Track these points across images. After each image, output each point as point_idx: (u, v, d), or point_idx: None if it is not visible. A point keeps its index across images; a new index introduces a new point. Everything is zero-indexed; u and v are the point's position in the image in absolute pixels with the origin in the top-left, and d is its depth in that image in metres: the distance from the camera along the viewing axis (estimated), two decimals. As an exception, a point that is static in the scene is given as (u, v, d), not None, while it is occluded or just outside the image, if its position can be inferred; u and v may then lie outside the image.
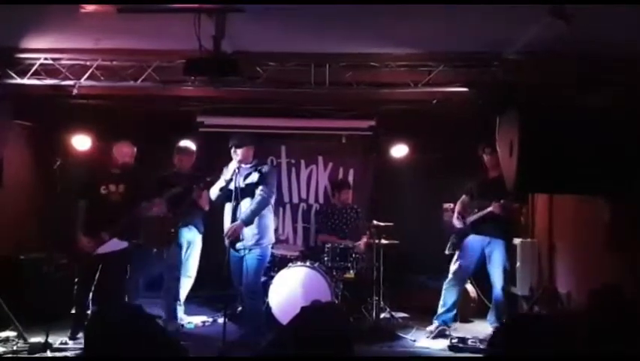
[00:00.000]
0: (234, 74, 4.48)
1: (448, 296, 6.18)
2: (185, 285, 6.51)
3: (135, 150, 5.84)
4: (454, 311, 6.20)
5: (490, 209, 5.93)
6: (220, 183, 5.58)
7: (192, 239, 6.45)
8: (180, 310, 6.45)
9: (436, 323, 6.15)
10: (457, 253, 6.22)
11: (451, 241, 6.28)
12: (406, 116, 7.17)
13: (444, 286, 6.21)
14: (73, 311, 5.60)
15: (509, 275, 6.30)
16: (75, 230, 5.53)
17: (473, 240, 6.13)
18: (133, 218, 5.62)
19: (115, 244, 5.54)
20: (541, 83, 5.29)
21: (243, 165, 5.52)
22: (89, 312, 5.57)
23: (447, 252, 6.30)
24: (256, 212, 5.42)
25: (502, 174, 5.92)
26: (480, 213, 6.04)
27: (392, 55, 5.41)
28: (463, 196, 6.37)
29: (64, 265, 6.37)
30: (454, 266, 6.21)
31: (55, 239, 6.24)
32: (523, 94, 5.17)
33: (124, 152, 5.76)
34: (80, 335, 5.48)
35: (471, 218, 6.14)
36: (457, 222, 6.26)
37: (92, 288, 5.61)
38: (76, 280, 5.62)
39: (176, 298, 6.20)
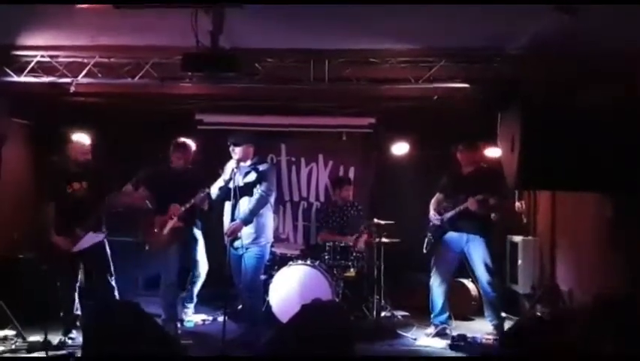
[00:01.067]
0: (232, 70, 4.44)
1: (435, 298, 6.11)
2: (198, 284, 6.47)
3: (90, 145, 5.72)
4: (447, 313, 6.13)
5: (466, 205, 5.84)
6: (219, 182, 5.55)
7: (193, 235, 6.37)
8: (190, 307, 6.48)
9: (433, 326, 6.09)
10: (434, 251, 6.16)
11: (427, 240, 6.23)
12: (406, 113, 7.13)
13: (430, 289, 6.15)
14: (61, 314, 5.57)
15: (502, 270, 6.27)
16: (48, 232, 5.47)
17: (451, 237, 6.06)
18: (107, 210, 5.66)
19: (91, 238, 5.49)
20: (544, 79, 5.25)
21: (242, 164, 5.49)
22: (78, 312, 5.56)
23: (425, 250, 6.24)
24: (255, 211, 5.40)
25: (476, 170, 5.93)
26: (456, 210, 5.96)
27: (392, 50, 5.37)
28: (437, 194, 6.30)
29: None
30: (434, 266, 6.15)
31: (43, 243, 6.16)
32: (526, 90, 5.14)
33: (80, 149, 5.67)
34: (74, 333, 5.50)
35: (448, 215, 6.07)
36: (433, 219, 6.19)
37: (77, 288, 5.60)
38: (58, 283, 5.55)
39: (175, 300, 6.05)
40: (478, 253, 5.93)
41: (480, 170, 5.97)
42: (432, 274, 6.15)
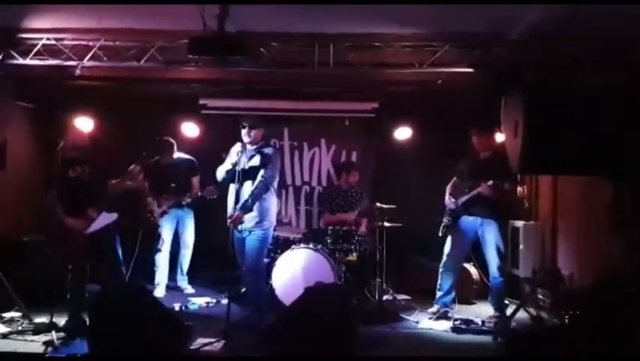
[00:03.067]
0: (239, 54, 4.45)
1: (444, 280, 6.18)
2: (185, 255, 7.03)
3: (88, 131, 5.87)
4: (453, 294, 6.20)
5: (478, 190, 5.87)
6: (226, 165, 5.55)
7: (180, 215, 6.87)
8: (184, 281, 7.04)
9: (436, 306, 6.17)
10: (450, 235, 6.21)
11: (443, 223, 6.27)
12: (409, 97, 7.14)
13: (440, 270, 6.21)
14: (68, 296, 5.52)
15: (507, 255, 6.33)
16: (57, 215, 5.51)
17: (466, 221, 6.11)
18: (114, 192, 5.87)
19: (105, 218, 5.56)
20: (546, 63, 5.26)
21: (247, 147, 5.48)
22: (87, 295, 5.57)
23: (440, 234, 6.29)
24: (257, 197, 5.38)
25: (492, 155, 5.94)
26: (470, 194, 5.99)
27: (396, 35, 5.38)
28: (455, 178, 6.35)
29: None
30: (447, 248, 6.20)
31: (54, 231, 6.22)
32: (528, 74, 5.16)
33: (79, 135, 5.81)
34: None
35: (462, 199, 6.10)
36: (448, 203, 6.24)
37: (89, 271, 5.61)
38: (70, 266, 5.47)
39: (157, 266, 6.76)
40: (491, 237, 5.97)
41: (496, 155, 5.92)
42: (444, 256, 6.20)
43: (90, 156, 5.77)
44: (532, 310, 5.82)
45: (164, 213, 6.71)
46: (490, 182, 5.74)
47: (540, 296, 5.67)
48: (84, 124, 5.82)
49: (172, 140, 7.01)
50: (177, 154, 6.96)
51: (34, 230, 6.57)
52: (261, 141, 5.56)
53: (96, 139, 5.97)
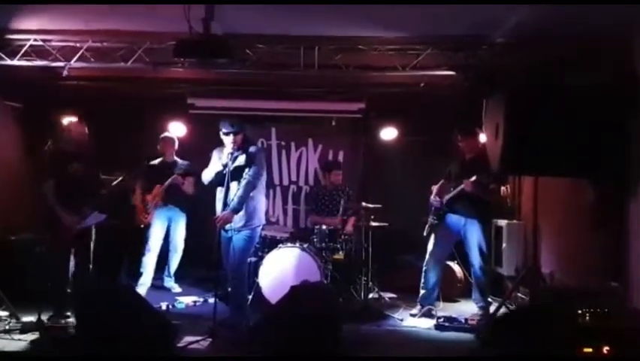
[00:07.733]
0: (224, 56, 4.49)
1: (428, 278, 6.24)
2: (174, 259, 7.10)
3: (86, 128, 5.91)
4: (436, 292, 6.27)
5: (462, 186, 5.92)
6: (216, 167, 5.52)
7: (172, 216, 6.94)
8: (171, 281, 7.16)
9: (419, 306, 6.22)
10: (434, 233, 6.28)
11: (428, 223, 6.34)
12: (395, 99, 7.22)
13: (423, 268, 6.28)
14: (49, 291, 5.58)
15: (490, 254, 6.40)
16: (55, 209, 5.54)
17: (450, 220, 6.17)
18: (110, 192, 5.92)
19: (95, 217, 5.63)
20: (528, 65, 5.34)
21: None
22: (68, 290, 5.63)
23: (425, 233, 6.37)
24: (243, 197, 5.34)
25: (477, 155, 6.02)
26: (454, 192, 6.05)
27: (380, 38, 5.44)
28: (442, 180, 6.42)
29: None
30: (431, 247, 6.27)
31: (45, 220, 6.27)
32: (510, 77, 5.24)
33: (80, 131, 5.86)
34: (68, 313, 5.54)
35: (446, 197, 6.16)
36: (434, 202, 6.31)
37: (74, 266, 5.68)
38: (54, 259, 5.62)
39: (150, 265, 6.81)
40: (473, 237, 6.04)
41: (480, 155, 5.92)
42: (428, 254, 6.26)
43: (87, 153, 5.78)
44: (513, 308, 5.91)
45: (156, 205, 6.76)
46: (473, 178, 5.81)
47: (519, 294, 5.76)
48: (81, 121, 5.93)
49: (172, 136, 7.10)
50: (174, 157, 7.03)
51: (22, 229, 6.60)
52: (243, 143, 5.56)
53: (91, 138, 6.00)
